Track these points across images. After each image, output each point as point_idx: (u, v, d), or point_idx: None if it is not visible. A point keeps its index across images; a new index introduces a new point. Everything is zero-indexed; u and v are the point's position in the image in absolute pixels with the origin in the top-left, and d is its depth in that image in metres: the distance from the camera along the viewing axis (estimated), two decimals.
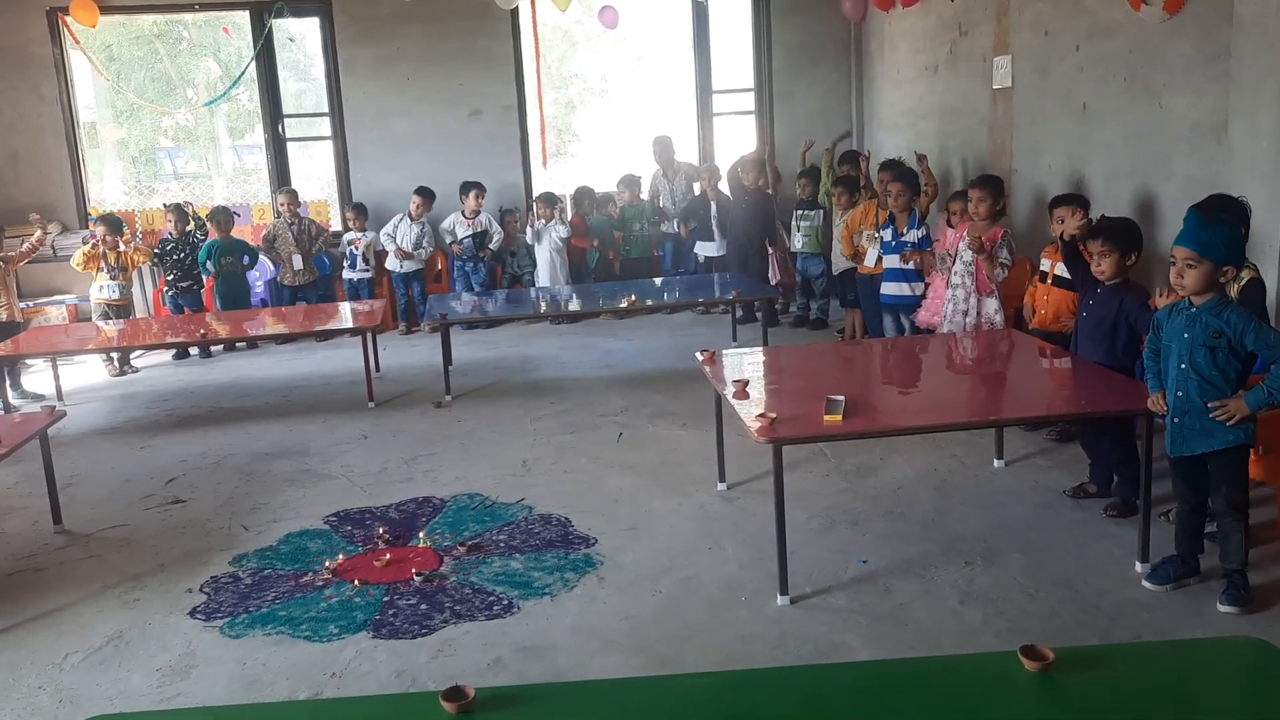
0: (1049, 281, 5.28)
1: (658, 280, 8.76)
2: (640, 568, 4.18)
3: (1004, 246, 5.61)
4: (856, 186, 7.80)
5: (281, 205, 9.28)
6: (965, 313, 5.72)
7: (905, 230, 6.45)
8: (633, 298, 7.21)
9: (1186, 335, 3.57)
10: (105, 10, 9.26)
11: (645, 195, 9.82)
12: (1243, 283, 4.11)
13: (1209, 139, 5.20)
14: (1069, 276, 4.84)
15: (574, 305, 8.07)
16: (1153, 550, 3.89)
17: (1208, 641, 2.31)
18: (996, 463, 5.12)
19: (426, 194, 9.31)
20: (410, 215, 9.29)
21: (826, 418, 3.78)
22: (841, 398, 3.94)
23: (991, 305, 5.67)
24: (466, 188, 9.36)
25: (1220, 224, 3.54)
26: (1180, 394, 3.59)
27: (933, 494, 4.83)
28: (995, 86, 7.44)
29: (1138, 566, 3.88)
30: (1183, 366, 3.58)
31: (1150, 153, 5.75)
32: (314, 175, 12.91)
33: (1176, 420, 3.62)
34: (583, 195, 9.86)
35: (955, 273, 5.78)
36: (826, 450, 5.28)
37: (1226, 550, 3.65)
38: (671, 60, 10.88)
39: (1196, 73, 5.30)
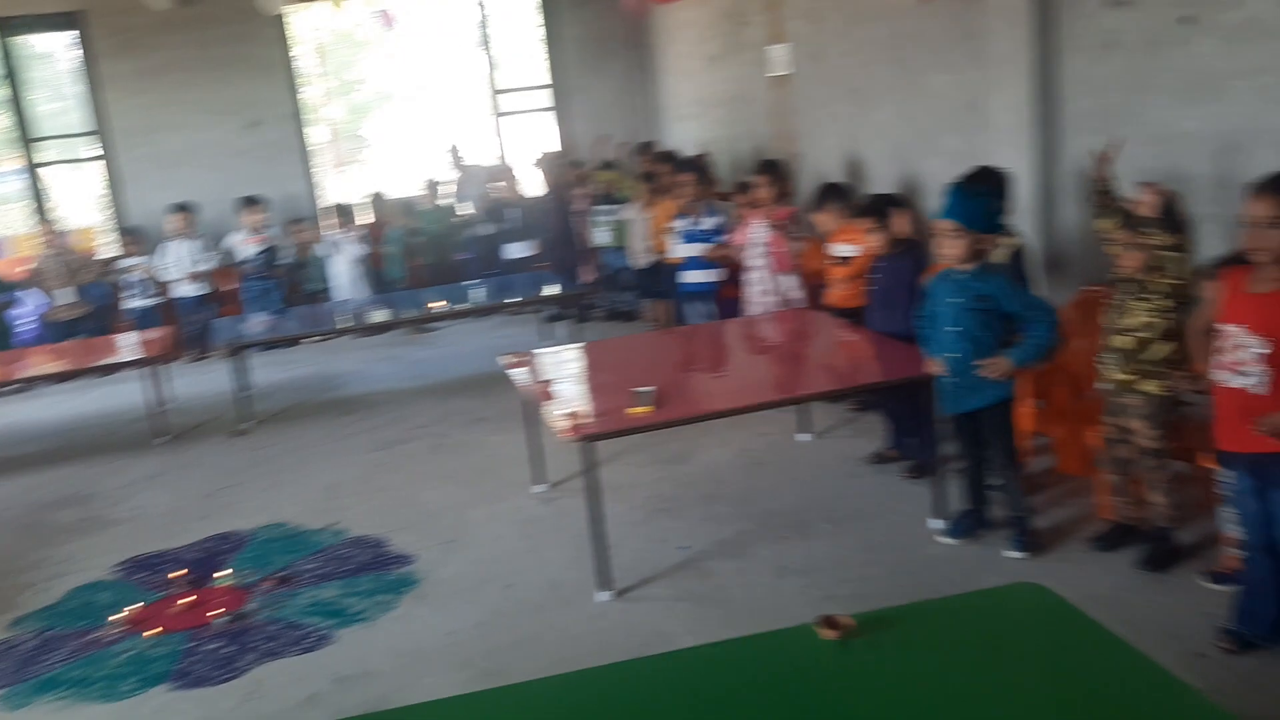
0: (836, 261, 5.49)
1: (465, 284, 8.61)
2: (461, 580, 4.10)
3: (795, 224, 5.79)
4: (653, 180, 7.89)
5: (43, 236, 8.60)
6: (766, 292, 5.88)
7: (701, 219, 6.56)
8: (439, 304, 7.05)
9: (956, 300, 3.77)
10: None
11: (447, 200, 9.65)
12: (1010, 250, 4.36)
13: (970, 114, 5.51)
14: (851, 253, 5.07)
15: (377, 317, 7.83)
16: (948, 506, 4.10)
17: (992, 591, 2.43)
18: (802, 437, 5.29)
19: (183, 209, 8.71)
20: (177, 235, 8.69)
21: (636, 410, 3.81)
22: (650, 388, 3.97)
23: (790, 282, 5.84)
24: (244, 203, 8.88)
25: (978, 196, 3.76)
26: (953, 355, 3.79)
27: (746, 474, 4.94)
28: (774, 74, 7.68)
29: (935, 523, 4.09)
30: (953, 330, 3.78)
31: (917, 130, 6.06)
32: (80, 200, 12.03)
33: (951, 381, 3.82)
34: (379, 203, 9.59)
35: (753, 256, 5.93)
36: (644, 441, 5.31)
37: (1008, 498, 3.90)
38: (460, 60, 10.71)
39: (955, 52, 5.62)
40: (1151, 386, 3.54)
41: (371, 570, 4.24)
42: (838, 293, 5.47)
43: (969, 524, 4.00)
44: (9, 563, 4.73)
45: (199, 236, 8.72)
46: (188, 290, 8.70)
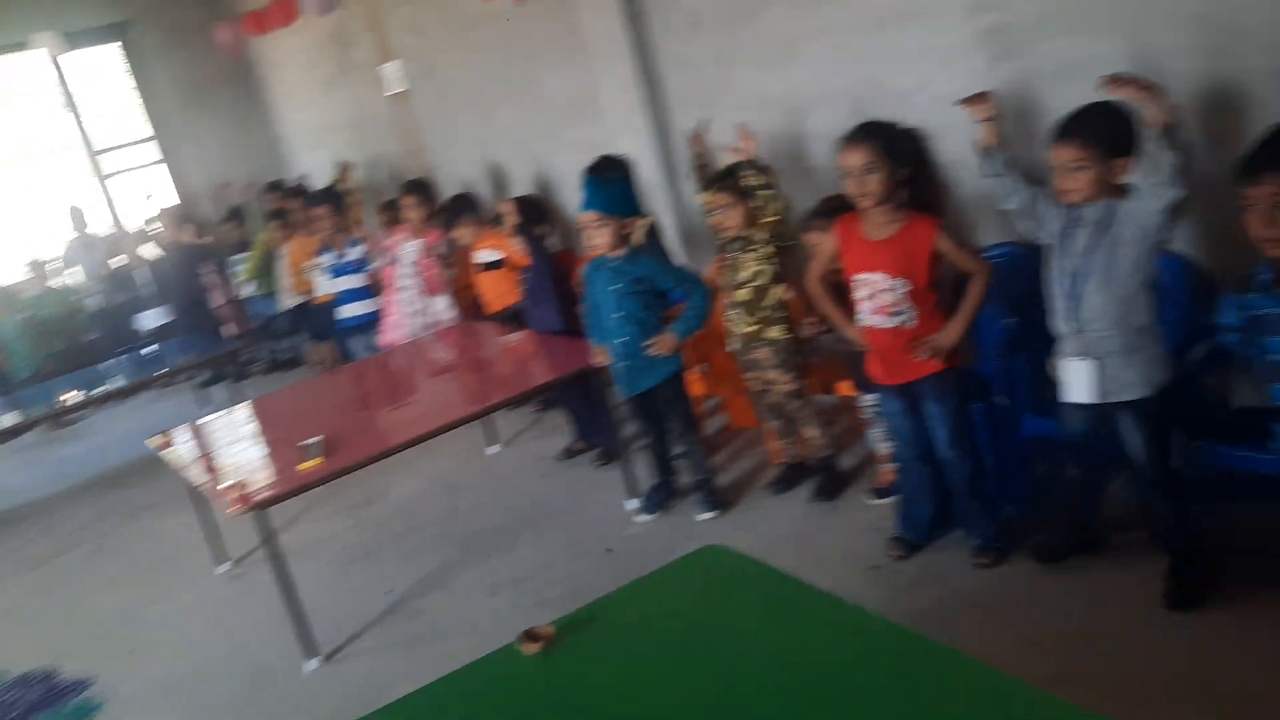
0: (480, 269, 5.52)
1: (101, 365, 7.83)
2: (150, 691, 3.75)
3: (446, 245, 5.72)
4: (285, 217, 7.55)
5: None
6: (418, 314, 5.78)
7: (345, 250, 6.35)
8: (73, 393, 6.37)
9: (615, 287, 3.89)
10: None
11: (60, 278, 8.73)
12: (644, 230, 4.54)
13: (587, 106, 5.68)
14: (492, 259, 5.13)
15: (3, 421, 6.96)
16: (640, 485, 4.24)
17: (676, 563, 2.52)
18: (492, 449, 5.28)
19: None
20: None
21: (302, 465, 3.62)
22: (316, 439, 3.79)
23: (442, 303, 5.78)
24: None
25: (613, 183, 3.90)
26: (622, 340, 3.91)
27: (441, 500, 4.86)
28: (391, 92, 7.55)
29: (630, 504, 4.21)
30: (619, 315, 3.89)
31: (541, 128, 6.18)
32: None
33: (624, 365, 3.94)
34: None
35: (401, 276, 5.81)
36: (326, 493, 5.07)
37: (692, 464, 4.08)
38: (48, 125, 9.69)
39: (560, 49, 5.75)
40: (775, 333, 3.83)
41: (43, 709, 3.78)
42: (492, 299, 5.49)
43: (660, 497, 4.15)
44: None
45: None
46: None
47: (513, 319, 5.25)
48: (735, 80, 4.76)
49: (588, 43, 5.38)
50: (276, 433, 4.36)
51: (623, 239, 3.86)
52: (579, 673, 2.08)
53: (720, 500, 4.07)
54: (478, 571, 4.04)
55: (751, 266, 3.79)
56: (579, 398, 4.78)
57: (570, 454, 4.93)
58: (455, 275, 5.80)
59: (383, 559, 4.38)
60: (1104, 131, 2.64)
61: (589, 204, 3.83)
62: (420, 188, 5.97)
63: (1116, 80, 2.50)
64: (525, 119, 6.31)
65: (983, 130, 2.88)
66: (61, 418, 7.72)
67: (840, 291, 3.30)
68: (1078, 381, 2.85)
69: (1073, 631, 2.83)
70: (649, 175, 5.22)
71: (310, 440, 3.79)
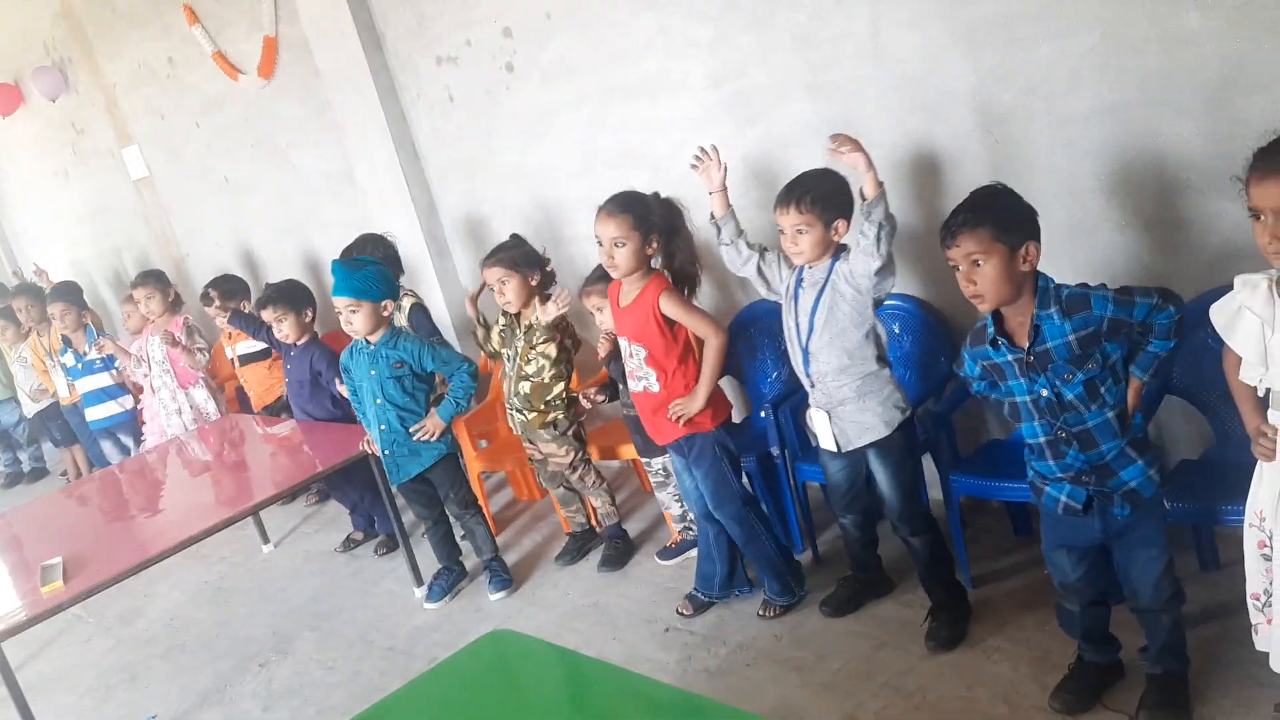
0: (239, 364, 5.25)
1: None
2: None
3: (192, 333, 5.39)
4: (15, 318, 6.93)
5: None
6: (179, 411, 5.41)
7: (86, 349, 5.90)
8: None
9: (374, 372, 3.76)
10: None
11: None
12: (406, 309, 4.45)
13: (345, 184, 5.55)
14: (254, 350, 4.92)
15: None
16: (425, 571, 4.09)
17: (466, 650, 2.43)
18: (266, 548, 4.99)
19: None
20: None
21: (45, 589, 3.29)
22: (56, 560, 3.46)
23: (200, 395, 5.43)
24: None
25: (363, 266, 3.77)
26: (383, 427, 3.78)
27: (210, 609, 4.53)
28: (134, 178, 7.15)
29: (416, 592, 4.06)
30: (379, 401, 3.76)
31: (298, 208, 5.99)
32: None
33: (388, 452, 3.80)
34: None
35: (154, 376, 5.44)
36: (80, 612, 4.65)
37: (477, 544, 3.99)
38: None
39: (312, 127, 5.61)
40: (556, 417, 3.83)
41: None
42: (260, 391, 5.24)
43: (448, 581, 4.02)
44: None
45: None
46: None
47: (284, 410, 5.01)
48: (494, 152, 4.77)
49: (341, 120, 5.27)
50: (15, 555, 3.95)
51: (380, 321, 3.75)
52: None
53: (510, 578, 3.98)
54: (252, 684, 3.77)
55: (535, 361, 3.76)
56: (355, 486, 4.59)
57: (350, 544, 4.72)
58: (205, 362, 5.45)
59: (147, 681, 4.02)
60: (824, 196, 2.78)
61: (339, 289, 3.69)
62: (153, 278, 5.57)
63: (839, 139, 2.65)
64: (281, 200, 6.10)
65: (714, 201, 3.01)
66: None
67: None
68: (822, 431, 2.99)
69: (859, 671, 2.92)
70: (415, 252, 5.13)
71: (50, 561, 3.45)
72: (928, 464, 3.21)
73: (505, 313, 3.85)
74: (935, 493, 3.27)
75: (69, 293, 6.09)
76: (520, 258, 3.73)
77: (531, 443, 3.93)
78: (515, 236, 3.88)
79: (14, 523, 4.61)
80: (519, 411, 3.84)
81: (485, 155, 4.83)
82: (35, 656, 4.42)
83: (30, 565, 3.56)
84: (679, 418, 3.14)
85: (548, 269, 3.82)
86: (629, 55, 4.05)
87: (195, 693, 3.81)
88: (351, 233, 4.81)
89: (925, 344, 3.46)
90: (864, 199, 2.66)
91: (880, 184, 2.64)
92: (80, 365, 5.95)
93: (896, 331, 3.49)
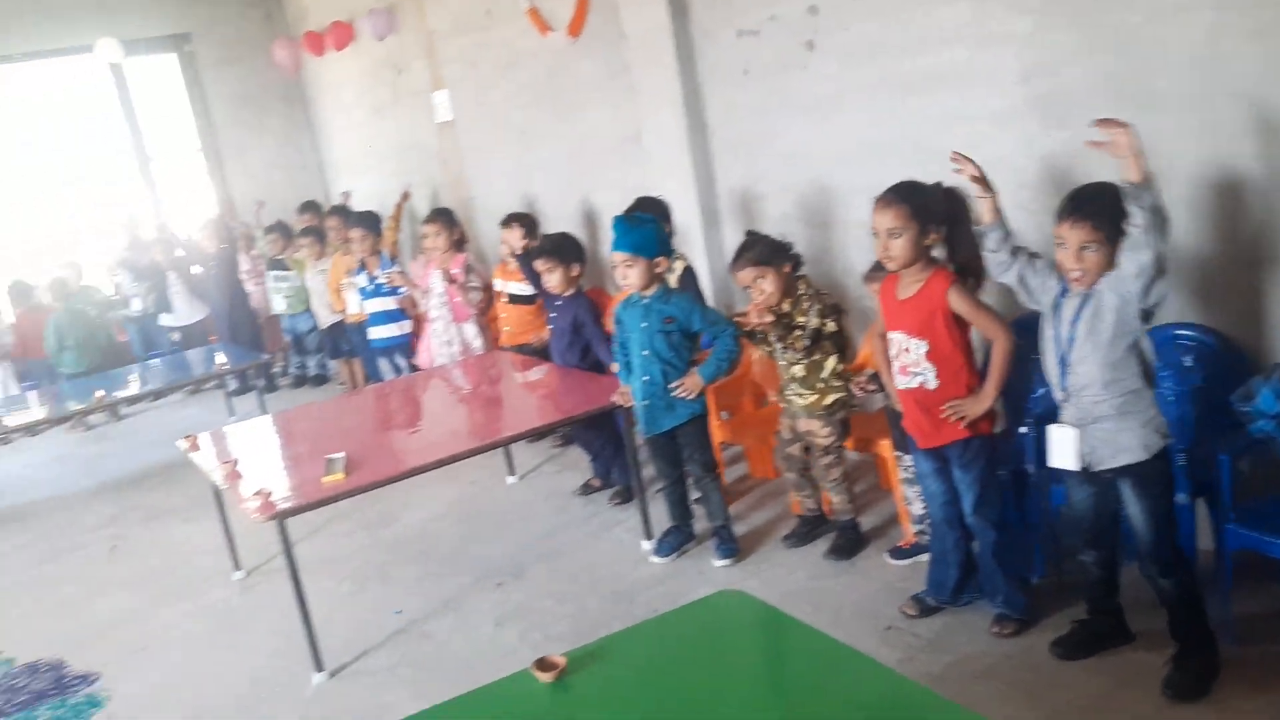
0: (505, 300, 5.55)
1: (133, 366, 7.92)
2: (154, 691, 3.75)
3: (469, 273, 5.77)
4: (323, 235, 7.65)
5: None
6: (449, 343, 5.82)
7: (378, 273, 6.42)
8: (101, 393, 6.43)
9: (644, 325, 3.91)
10: None
11: (96, 279, 8.86)
12: (678, 272, 4.58)
13: (632, 146, 5.74)
14: (524, 293, 5.17)
15: (32, 415, 7.05)
16: (656, 526, 4.22)
17: (695, 604, 2.51)
18: (510, 480, 5.28)
19: None
20: None
21: (327, 479, 3.64)
22: (340, 454, 3.81)
23: (470, 331, 5.82)
24: None
25: (642, 224, 3.91)
26: (646, 378, 3.92)
27: (457, 525, 4.86)
28: (439, 120, 7.67)
29: (645, 544, 4.19)
30: (645, 353, 3.91)
31: (584, 165, 6.25)
32: None
33: (646, 403, 3.94)
34: (20, 291, 8.67)
35: (432, 306, 5.86)
36: (346, 508, 5.08)
37: (710, 510, 4.07)
38: (104, 130, 9.87)
39: (609, 88, 5.84)
40: (831, 398, 3.80)
41: (50, 697, 3.79)
42: (517, 331, 5.52)
43: (676, 540, 4.13)
44: None
45: None
46: None
47: (539, 352, 5.28)
48: (780, 131, 4.80)
49: (638, 84, 5.44)
50: (301, 446, 4.39)
51: (654, 278, 3.89)
52: (590, 704, 2.07)
53: (736, 548, 4.04)
54: (487, 601, 4.03)
55: (801, 340, 3.73)
56: (599, 436, 4.78)
57: (588, 490, 4.92)
58: (478, 300, 5.82)
59: (395, 580, 4.37)
60: (1113, 213, 2.60)
61: (618, 244, 3.87)
62: (443, 215, 6.00)
63: (1106, 122, 2.48)
64: (567, 155, 6.39)
65: (983, 207, 2.90)
66: (92, 415, 7.81)
67: None
68: (1061, 448, 2.84)
69: (1091, 706, 2.78)
70: (687, 220, 5.26)
71: (335, 455, 3.81)
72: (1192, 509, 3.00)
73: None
74: (1205, 542, 3.05)
75: (369, 221, 6.63)
76: (768, 253, 3.75)
77: (792, 418, 3.93)
78: (752, 233, 3.89)
79: (300, 419, 5.13)
80: (796, 395, 3.84)
81: (770, 133, 4.87)
82: (303, 540, 4.87)
83: (312, 457, 3.92)
84: (960, 418, 3.06)
85: (791, 252, 3.80)
86: (936, 42, 3.97)
87: (437, 598, 4.11)
88: (630, 195, 4.98)
89: (1219, 380, 3.21)
90: (1131, 185, 2.47)
91: (1149, 172, 2.46)
92: (371, 288, 6.48)
93: (1189, 364, 3.26)
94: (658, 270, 3.89)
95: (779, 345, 3.77)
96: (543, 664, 2.16)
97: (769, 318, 3.67)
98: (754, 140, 4.98)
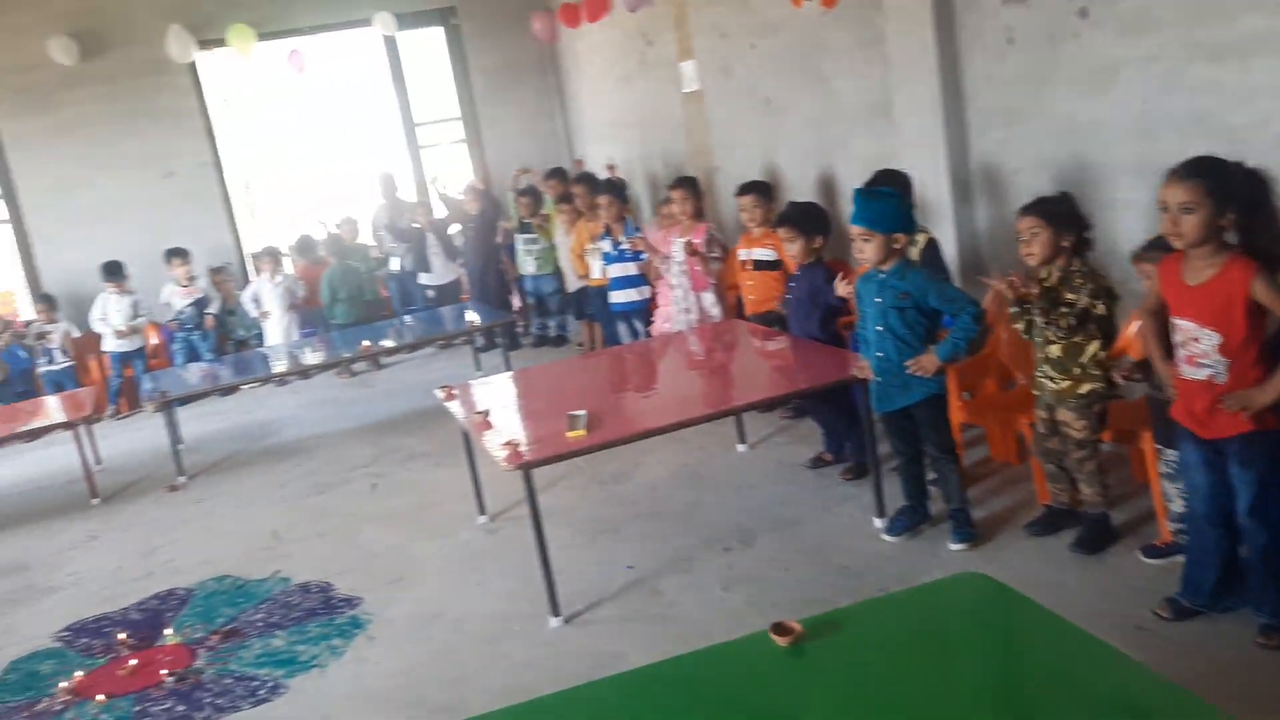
0: (750, 267, 5.57)
1: (392, 321, 8.54)
2: (409, 619, 4.07)
3: (711, 243, 5.84)
4: (572, 202, 7.94)
5: None
6: (687, 310, 5.93)
7: (623, 238, 6.61)
8: (366, 344, 6.98)
9: (879, 300, 3.85)
10: None
11: (364, 236, 9.57)
12: (920, 245, 4.47)
13: (880, 118, 5.63)
14: (768, 259, 5.15)
15: (306, 360, 7.74)
16: (888, 504, 4.17)
17: (938, 583, 2.48)
18: (741, 448, 5.34)
19: (111, 270, 8.55)
20: (114, 292, 8.54)
21: (570, 434, 3.81)
22: (583, 412, 3.98)
23: (709, 299, 5.90)
24: (169, 255, 8.76)
25: (883, 198, 3.85)
26: (880, 354, 3.87)
27: (686, 488, 4.97)
28: (686, 90, 7.76)
29: (876, 522, 4.15)
30: (879, 329, 3.86)
31: (830, 136, 6.18)
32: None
33: (880, 380, 3.89)
34: (304, 245, 9.51)
35: (672, 274, 5.98)
36: (583, 464, 5.31)
37: (947, 492, 3.98)
38: (372, 97, 10.65)
39: (858, 58, 5.74)
40: (1088, 386, 3.62)
41: (320, 616, 4.19)
42: (758, 298, 5.54)
43: (909, 520, 4.07)
44: None
45: (131, 293, 8.55)
46: (118, 346, 8.52)
47: (776, 322, 5.29)
48: (1043, 103, 4.58)
49: (891, 54, 5.32)
50: (543, 403, 4.61)
51: (891, 253, 3.81)
52: (825, 672, 2.09)
53: (973, 532, 3.93)
54: (716, 563, 4.11)
55: (1066, 321, 3.55)
56: (832, 409, 4.75)
57: (819, 463, 4.91)
58: (719, 270, 5.89)
59: (627, 536, 4.53)
60: None
61: (857, 218, 3.81)
62: (688, 183, 6.10)
63: None
64: (814, 126, 6.33)
65: None
66: (356, 364, 8.49)
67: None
68: None
69: None
70: (937, 193, 5.11)
71: (577, 412, 3.98)
72: None
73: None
74: None
75: (616, 188, 6.83)
76: (1059, 214, 3.57)
77: (1047, 409, 3.76)
78: (1064, 194, 3.70)
79: (541, 377, 5.39)
80: (1049, 379, 3.68)
81: (1033, 104, 4.65)
82: (540, 491, 5.09)
83: (555, 413, 4.11)
84: (1242, 409, 2.84)
85: (1086, 234, 3.61)
86: (1228, 10, 3.66)
87: (665, 557, 4.24)
88: (873, 166, 4.91)
89: None
90: None
91: None
92: (615, 253, 6.68)
93: None
94: (895, 246, 3.81)
95: (1041, 321, 3.60)
96: (780, 628, 2.20)
97: (1034, 289, 3.51)
98: (1013, 112, 4.77)
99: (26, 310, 9.47)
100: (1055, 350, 3.62)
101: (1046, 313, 3.54)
